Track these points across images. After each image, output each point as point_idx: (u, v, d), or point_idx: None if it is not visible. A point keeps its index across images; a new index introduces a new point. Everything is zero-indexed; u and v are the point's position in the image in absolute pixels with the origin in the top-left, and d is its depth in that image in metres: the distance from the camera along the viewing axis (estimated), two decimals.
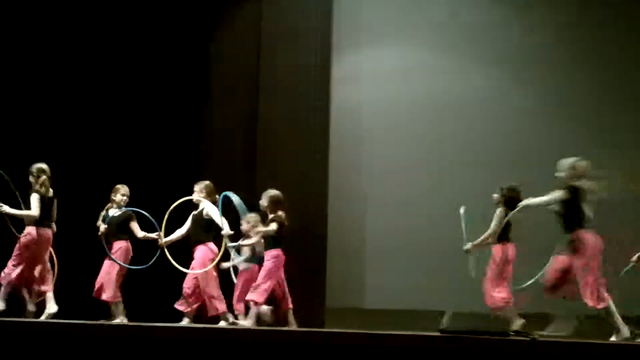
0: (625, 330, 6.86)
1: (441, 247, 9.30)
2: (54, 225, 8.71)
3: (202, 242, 8.61)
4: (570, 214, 7.19)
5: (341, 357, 5.54)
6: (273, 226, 8.21)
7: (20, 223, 8.57)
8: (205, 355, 5.73)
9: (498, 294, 7.60)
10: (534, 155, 9.99)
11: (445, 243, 9.12)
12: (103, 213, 9.09)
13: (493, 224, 7.83)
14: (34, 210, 8.39)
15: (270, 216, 8.32)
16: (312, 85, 10.72)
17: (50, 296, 8.52)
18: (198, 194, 8.74)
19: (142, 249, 9.00)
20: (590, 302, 6.87)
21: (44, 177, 8.57)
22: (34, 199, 8.42)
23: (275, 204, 8.36)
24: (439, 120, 10.54)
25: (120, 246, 8.93)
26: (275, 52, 10.93)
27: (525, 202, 7.57)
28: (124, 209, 9.03)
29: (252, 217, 8.57)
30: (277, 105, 10.82)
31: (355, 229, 10.44)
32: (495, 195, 8.04)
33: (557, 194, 7.19)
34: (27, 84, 10.94)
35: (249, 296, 8.16)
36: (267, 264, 8.20)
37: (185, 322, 8.43)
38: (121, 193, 9.06)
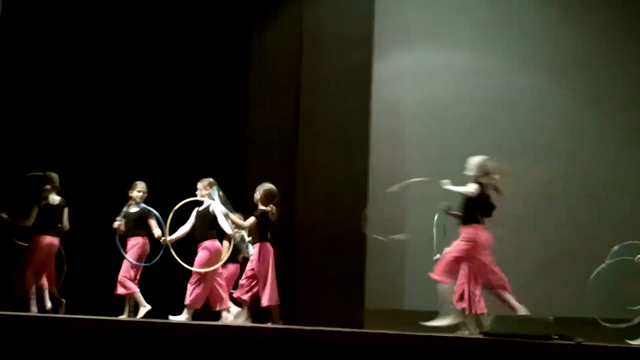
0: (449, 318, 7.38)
1: None
2: (62, 230, 8.99)
3: (206, 238, 8.63)
4: (471, 208, 7.62)
5: (380, 359, 5.48)
6: (250, 220, 8.32)
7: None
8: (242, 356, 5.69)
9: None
10: (574, 157, 9.90)
11: None
12: (124, 209, 9.17)
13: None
14: (29, 219, 8.76)
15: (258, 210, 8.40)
16: (353, 86, 10.70)
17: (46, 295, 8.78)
18: (202, 190, 8.79)
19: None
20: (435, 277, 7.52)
21: (47, 186, 8.88)
22: (33, 208, 8.78)
23: (267, 197, 8.45)
24: (480, 121, 10.47)
25: (135, 242, 8.99)
26: (317, 52, 10.92)
27: (448, 186, 7.89)
28: (142, 206, 9.10)
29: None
30: (319, 106, 10.81)
31: (395, 230, 10.35)
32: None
33: (472, 187, 7.61)
34: (78, 84, 11.03)
35: (236, 293, 8.29)
36: (254, 259, 8.30)
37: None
38: (137, 189, 9.13)
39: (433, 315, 7.73)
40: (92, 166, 10.72)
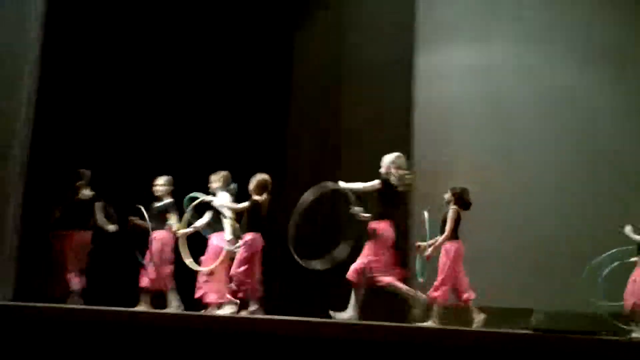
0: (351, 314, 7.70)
1: (528, 244, 9.24)
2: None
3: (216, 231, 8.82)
4: (380, 204, 8.04)
5: (424, 353, 5.40)
6: (238, 205, 8.49)
7: None
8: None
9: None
10: (620, 156, 9.74)
11: (532, 240, 9.19)
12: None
13: (448, 224, 8.22)
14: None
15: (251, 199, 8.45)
16: (395, 81, 10.63)
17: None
18: (216, 183, 8.89)
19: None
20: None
21: (78, 182, 9.07)
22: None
23: (260, 188, 8.51)
24: (525, 118, 10.32)
25: (156, 236, 9.11)
26: (358, 47, 10.87)
27: (344, 185, 8.26)
28: (167, 200, 9.26)
29: None
30: (360, 103, 10.76)
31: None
32: (446, 195, 8.46)
33: (372, 183, 8.08)
34: (120, 83, 11.11)
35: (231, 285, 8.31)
36: (241, 250, 8.31)
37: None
38: (159, 184, 9.30)
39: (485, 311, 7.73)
40: (137, 162, 10.79)
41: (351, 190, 8.22)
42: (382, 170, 8.20)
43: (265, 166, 10.51)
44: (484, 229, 9.76)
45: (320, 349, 5.43)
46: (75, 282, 9.09)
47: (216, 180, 8.98)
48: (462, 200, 8.42)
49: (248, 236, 8.37)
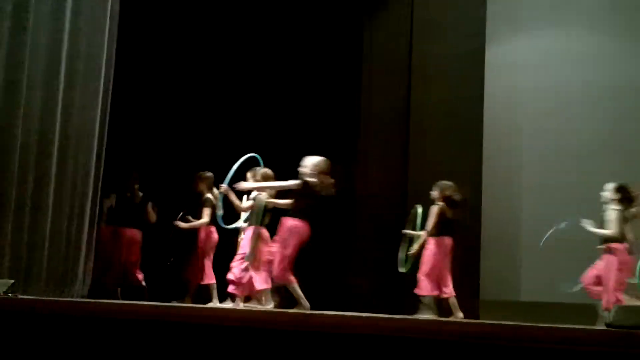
0: (306, 304, 7.57)
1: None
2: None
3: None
4: (297, 203, 7.87)
5: (498, 351, 5.35)
6: (289, 182, 8.04)
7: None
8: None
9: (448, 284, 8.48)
10: None
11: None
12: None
13: (430, 220, 8.62)
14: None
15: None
16: (465, 73, 10.53)
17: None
18: (252, 179, 8.71)
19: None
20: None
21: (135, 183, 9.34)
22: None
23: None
24: (599, 109, 10.06)
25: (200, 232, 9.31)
26: (428, 39, 10.80)
27: (249, 185, 8.31)
28: (206, 196, 9.39)
29: None
30: (430, 95, 10.70)
31: (509, 220, 10.18)
32: (434, 193, 8.78)
33: (289, 183, 7.95)
34: (191, 81, 11.24)
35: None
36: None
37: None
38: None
39: (550, 306, 7.63)
40: (212, 154, 10.94)
41: (268, 187, 8.22)
42: (305, 170, 7.96)
43: (336, 159, 10.58)
44: (552, 220, 9.64)
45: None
46: (140, 278, 9.42)
47: (252, 176, 8.77)
48: (448, 197, 8.68)
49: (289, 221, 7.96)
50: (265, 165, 9.17)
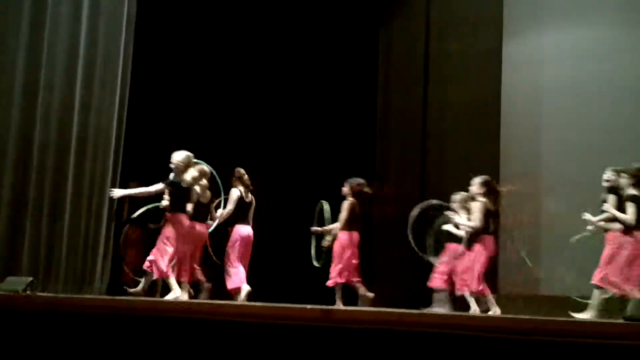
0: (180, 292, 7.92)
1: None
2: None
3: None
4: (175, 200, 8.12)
5: (519, 346, 5.33)
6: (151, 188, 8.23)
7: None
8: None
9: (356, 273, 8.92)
10: None
11: None
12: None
13: (342, 214, 8.95)
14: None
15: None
16: (482, 70, 10.50)
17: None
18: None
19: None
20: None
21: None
22: None
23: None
24: (620, 104, 9.96)
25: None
26: (445, 37, 10.80)
27: (123, 192, 8.30)
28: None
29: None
30: (447, 92, 10.68)
31: (528, 215, 10.13)
32: (345, 189, 9.09)
33: (155, 187, 8.06)
34: (205, 82, 11.26)
35: None
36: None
37: None
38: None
39: (569, 300, 7.60)
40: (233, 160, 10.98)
41: (136, 194, 8.34)
42: (173, 166, 8.18)
43: (354, 158, 10.59)
44: (570, 215, 9.58)
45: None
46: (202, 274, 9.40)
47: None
48: (358, 193, 9.05)
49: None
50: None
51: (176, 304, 6.70)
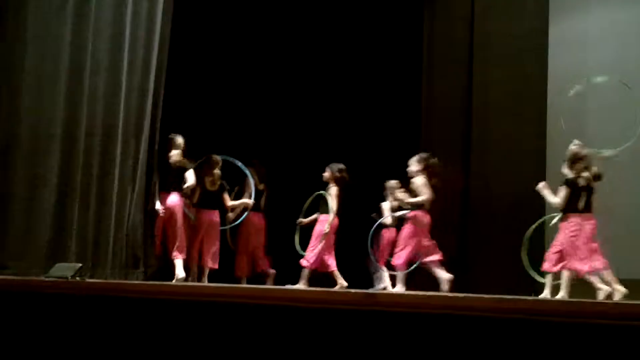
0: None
1: None
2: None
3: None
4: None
5: (564, 329, 5.30)
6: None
7: None
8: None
9: (332, 260, 9.07)
10: None
11: None
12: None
13: (332, 202, 9.10)
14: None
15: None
16: (527, 53, 10.37)
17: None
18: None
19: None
20: None
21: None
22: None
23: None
24: None
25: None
26: (489, 19, 10.66)
27: None
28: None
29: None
30: (492, 75, 10.57)
31: None
32: (326, 174, 9.25)
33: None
34: (246, 76, 11.31)
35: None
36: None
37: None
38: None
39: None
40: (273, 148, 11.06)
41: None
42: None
43: (399, 142, 10.56)
44: (618, 201, 9.48)
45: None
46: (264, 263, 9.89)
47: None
48: (341, 178, 9.23)
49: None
50: (329, 156, 9.33)
51: (221, 288, 6.75)
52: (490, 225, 9.98)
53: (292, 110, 11.42)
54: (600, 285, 7.53)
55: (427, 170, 8.79)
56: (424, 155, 8.91)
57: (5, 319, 6.54)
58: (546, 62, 10.26)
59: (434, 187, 8.75)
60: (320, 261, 9.05)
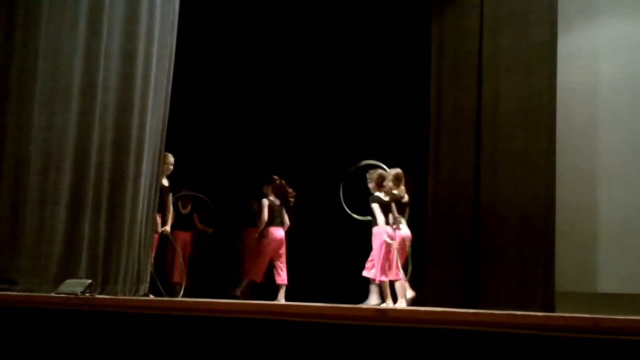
0: None
1: None
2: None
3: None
4: None
5: (573, 344, 5.27)
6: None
7: None
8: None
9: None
10: None
11: None
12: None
13: (263, 213, 9.95)
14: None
15: None
16: (536, 64, 10.35)
17: None
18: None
19: None
20: None
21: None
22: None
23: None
24: None
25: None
26: (498, 30, 10.66)
27: None
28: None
29: None
30: (501, 87, 10.56)
31: (585, 211, 10.00)
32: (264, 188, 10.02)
33: None
34: (253, 80, 11.35)
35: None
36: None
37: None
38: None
39: (629, 297, 7.46)
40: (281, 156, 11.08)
41: None
42: None
43: (407, 154, 10.55)
44: (629, 210, 9.46)
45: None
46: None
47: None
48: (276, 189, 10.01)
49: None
50: (335, 166, 9.32)
51: (232, 304, 6.72)
52: (501, 237, 9.96)
53: (302, 122, 11.43)
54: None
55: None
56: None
57: (15, 335, 6.55)
58: (555, 74, 10.25)
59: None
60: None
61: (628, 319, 5.29)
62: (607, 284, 9.55)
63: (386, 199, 9.05)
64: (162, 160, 8.87)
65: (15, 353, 6.47)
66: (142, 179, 8.29)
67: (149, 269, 8.42)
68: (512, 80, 10.42)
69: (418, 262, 9.49)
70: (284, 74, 11.52)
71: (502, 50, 10.58)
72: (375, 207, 9.00)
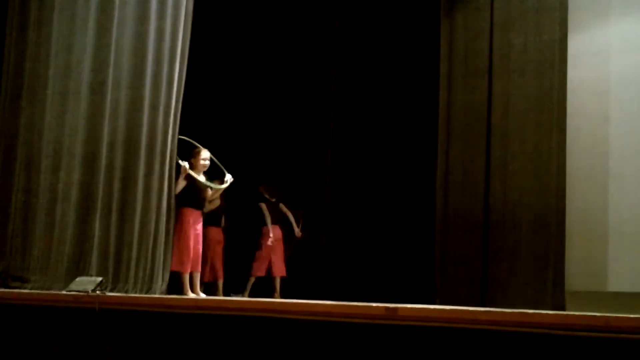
0: None
1: None
2: None
3: None
4: None
5: (583, 343, 5.26)
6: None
7: None
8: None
9: None
10: None
11: None
12: None
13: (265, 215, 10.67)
14: None
15: None
16: (547, 64, 10.31)
17: None
18: None
19: None
20: None
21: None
22: None
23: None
24: None
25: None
26: (509, 30, 10.62)
27: None
28: None
29: None
30: (511, 87, 10.53)
31: (596, 209, 9.97)
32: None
33: None
34: (264, 80, 11.37)
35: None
36: None
37: None
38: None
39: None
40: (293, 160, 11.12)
41: None
42: None
43: (416, 154, 10.55)
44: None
45: None
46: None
47: None
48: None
49: None
50: (342, 168, 9.33)
51: (243, 302, 6.74)
52: (511, 237, 9.93)
53: (308, 123, 11.44)
54: None
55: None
56: None
57: (26, 332, 6.57)
58: (566, 73, 10.22)
59: None
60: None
61: (639, 318, 5.28)
62: (618, 283, 9.51)
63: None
64: (198, 156, 9.01)
65: (26, 350, 6.50)
66: (153, 178, 8.28)
67: (168, 268, 8.39)
68: (523, 79, 10.38)
69: (428, 262, 9.50)
70: (292, 70, 11.51)
71: (513, 49, 10.55)
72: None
